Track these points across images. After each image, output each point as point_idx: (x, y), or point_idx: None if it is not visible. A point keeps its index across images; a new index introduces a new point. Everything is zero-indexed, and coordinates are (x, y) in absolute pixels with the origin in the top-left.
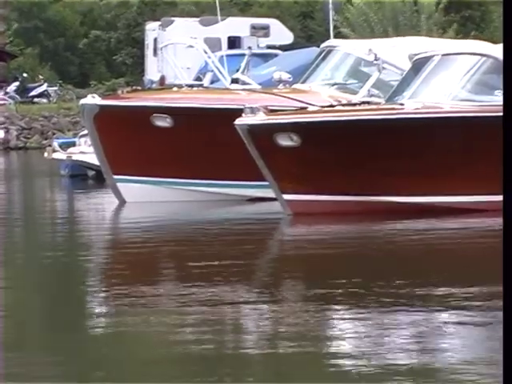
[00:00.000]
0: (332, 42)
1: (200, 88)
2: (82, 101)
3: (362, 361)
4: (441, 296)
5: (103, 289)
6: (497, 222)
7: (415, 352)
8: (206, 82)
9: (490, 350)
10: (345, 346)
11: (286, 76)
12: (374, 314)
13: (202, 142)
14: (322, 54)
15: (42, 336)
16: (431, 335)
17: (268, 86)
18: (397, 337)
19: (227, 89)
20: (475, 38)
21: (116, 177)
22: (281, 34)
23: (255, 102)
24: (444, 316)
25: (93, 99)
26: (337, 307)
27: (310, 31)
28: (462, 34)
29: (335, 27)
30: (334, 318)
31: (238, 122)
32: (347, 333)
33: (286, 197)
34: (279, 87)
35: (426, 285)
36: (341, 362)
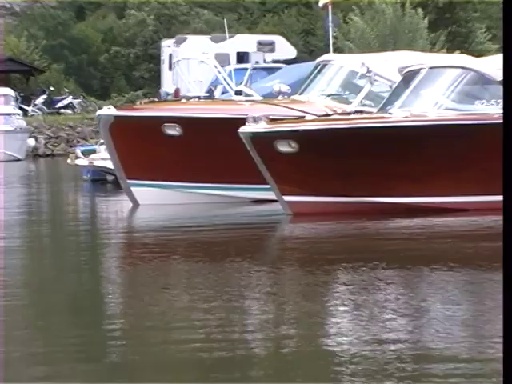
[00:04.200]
0: (327, 56)
1: (207, 99)
2: (99, 112)
3: None
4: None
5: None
6: (480, 220)
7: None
8: (217, 93)
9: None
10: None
11: (285, 88)
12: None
13: (208, 148)
14: (318, 68)
15: None
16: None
17: (271, 96)
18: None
19: (232, 100)
20: (461, 52)
21: (130, 181)
22: (285, 49)
23: (257, 112)
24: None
25: (108, 110)
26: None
27: (311, 46)
28: (450, 48)
29: (334, 43)
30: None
31: (241, 130)
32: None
33: (286, 198)
34: (279, 98)
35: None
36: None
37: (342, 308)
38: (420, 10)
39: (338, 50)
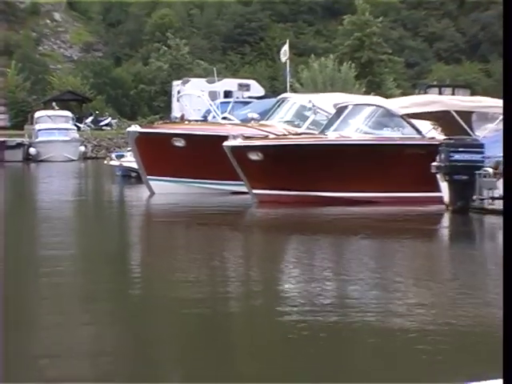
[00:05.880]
0: (285, 94)
1: (202, 122)
2: (128, 129)
3: None
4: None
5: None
6: (384, 209)
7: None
8: (209, 118)
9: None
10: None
11: (255, 115)
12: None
13: (203, 155)
14: (279, 102)
15: None
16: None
17: (246, 121)
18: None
19: (219, 123)
20: (375, 94)
21: (148, 177)
22: (257, 89)
23: (236, 132)
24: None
25: (135, 128)
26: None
27: (275, 88)
28: (368, 92)
29: (290, 86)
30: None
31: (225, 143)
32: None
33: (254, 191)
34: (252, 123)
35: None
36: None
37: (290, 259)
38: (348, 65)
39: (293, 91)
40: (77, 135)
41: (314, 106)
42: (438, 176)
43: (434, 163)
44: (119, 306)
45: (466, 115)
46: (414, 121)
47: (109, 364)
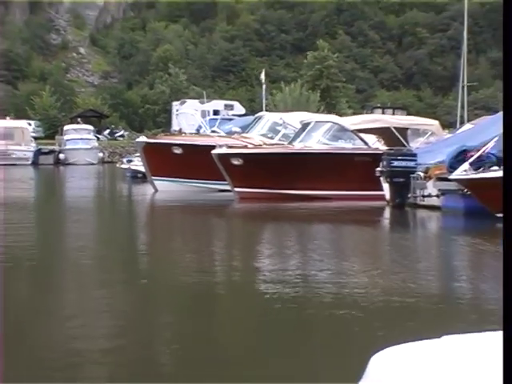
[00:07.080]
0: (261, 113)
1: (196, 134)
2: (137, 139)
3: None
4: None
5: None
6: (338, 204)
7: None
8: (201, 131)
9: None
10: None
11: (238, 129)
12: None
13: (196, 160)
14: (256, 119)
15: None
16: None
17: (230, 134)
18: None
19: (209, 135)
20: (333, 113)
21: (153, 177)
22: (239, 109)
23: (222, 142)
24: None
25: (142, 138)
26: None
27: (253, 108)
28: (326, 111)
29: (266, 105)
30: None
31: (213, 151)
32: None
33: (236, 189)
34: (234, 135)
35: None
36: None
37: (262, 241)
38: (310, 91)
39: (268, 110)
40: (96, 144)
41: (284, 122)
42: (381, 178)
43: (378, 168)
44: (129, 255)
45: (403, 131)
46: (362, 135)
47: None
